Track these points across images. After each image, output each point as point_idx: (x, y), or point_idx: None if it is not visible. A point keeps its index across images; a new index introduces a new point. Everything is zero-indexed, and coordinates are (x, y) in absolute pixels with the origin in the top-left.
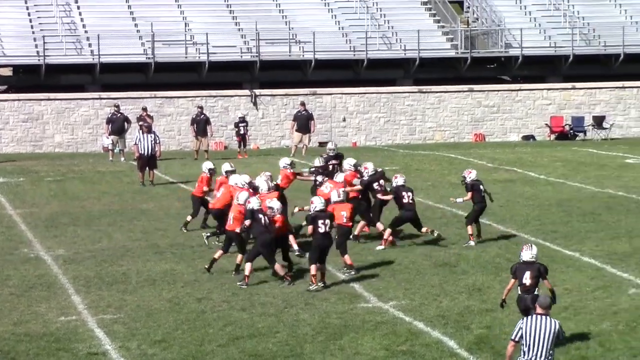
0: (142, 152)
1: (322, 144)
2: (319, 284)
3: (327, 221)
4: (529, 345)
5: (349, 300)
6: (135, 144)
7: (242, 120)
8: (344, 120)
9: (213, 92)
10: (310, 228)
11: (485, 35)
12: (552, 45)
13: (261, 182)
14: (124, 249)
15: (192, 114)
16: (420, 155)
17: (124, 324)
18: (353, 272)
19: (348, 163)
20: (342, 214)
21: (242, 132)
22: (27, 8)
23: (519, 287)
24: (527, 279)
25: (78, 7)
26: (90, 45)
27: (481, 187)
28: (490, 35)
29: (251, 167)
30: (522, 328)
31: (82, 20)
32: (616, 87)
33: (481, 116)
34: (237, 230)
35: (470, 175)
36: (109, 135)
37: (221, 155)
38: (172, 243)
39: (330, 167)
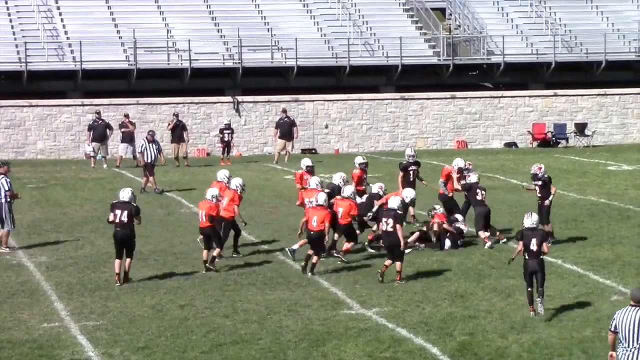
0: (148, 161)
1: (305, 151)
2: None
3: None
4: (624, 335)
5: (332, 306)
6: (141, 152)
7: (227, 127)
8: (327, 127)
9: (195, 99)
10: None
11: (468, 42)
12: (534, 52)
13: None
14: (107, 255)
15: (170, 122)
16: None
17: (106, 331)
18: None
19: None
20: (314, 218)
21: (226, 139)
22: (9, 14)
23: (525, 253)
24: (534, 245)
25: (60, 14)
26: (72, 51)
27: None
28: (472, 42)
29: (234, 174)
30: (615, 319)
31: (64, 26)
32: (598, 94)
33: (463, 123)
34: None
35: (542, 170)
36: (91, 142)
37: (203, 162)
38: (154, 250)
39: (411, 172)
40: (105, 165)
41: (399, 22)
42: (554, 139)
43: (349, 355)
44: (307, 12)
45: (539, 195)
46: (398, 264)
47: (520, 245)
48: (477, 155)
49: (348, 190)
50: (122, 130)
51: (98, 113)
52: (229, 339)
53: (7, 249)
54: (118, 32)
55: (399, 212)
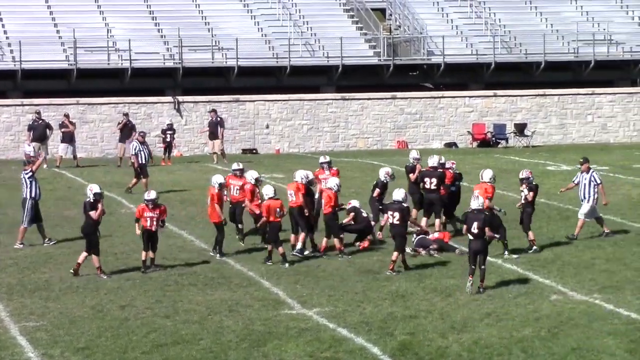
0: (142, 162)
1: (245, 151)
2: None
3: None
4: None
5: (273, 306)
6: (135, 153)
7: (170, 127)
8: (267, 127)
9: (136, 99)
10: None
11: (408, 42)
12: (473, 52)
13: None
14: (47, 256)
15: (119, 122)
16: (343, 162)
17: (46, 332)
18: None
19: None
20: (277, 210)
21: (168, 139)
22: None
23: (468, 234)
24: (475, 228)
25: None
26: (12, 51)
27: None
28: (412, 43)
29: (175, 174)
30: None
31: (3, 26)
32: (537, 95)
33: (404, 123)
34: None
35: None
36: (31, 142)
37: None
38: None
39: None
40: (45, 166)
41: (339, 22)
42: (493, 139)
43: (289, 356)
44: (248, 12)
45: (524, 201)
46: (395, 253)
47: (464, 227)
48: None
49: (331, 182)
50: (62, 130)
51: (38, 113)
52: (169, 340)
53: (21, 245)
54: (58, 31)
55: (405, 204)
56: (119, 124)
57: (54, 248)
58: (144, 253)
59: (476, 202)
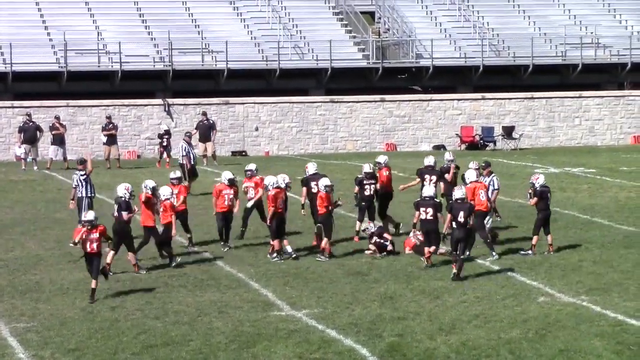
0: (193, 163)
1: (235, 153)
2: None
3: None
4: None
5: (262, 308)
6: (186, 155)
7: (167, 132)
8: (257, 129)
9: (126, 101)
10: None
11: (397, 45)
12: (462, 56)
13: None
14: (37, 257)
15: (102, 123)
16: (332, 165)
17: (37, 333)
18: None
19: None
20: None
21: (165, 143)
22: None
23: (452, 223)
24: (461, 217)
25: None
26: (2, 53)
27: (548, 194)
28: (401, 46)
29: (164, 176)
30: None
31: None
32: (525, 98)
33: (392, 126)
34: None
35: (538, 180)
36: (21, 144)
37: (134, 164)
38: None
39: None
40: (35, 167)
41: (328, 25)
42: (481, 141)
43: (279, 357)
44: (238, 15)
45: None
46: (433, 248)
47: (449, 216)
48: (406, 158)
49: (322, 182)
50: (53, 132)
51: (29, 115)
52: (159, 341)
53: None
54: (48, 34)
55: (437, 200)
56: (103, 128)
57: (44, 250)
58: (93, 282)
59: (460, 192)
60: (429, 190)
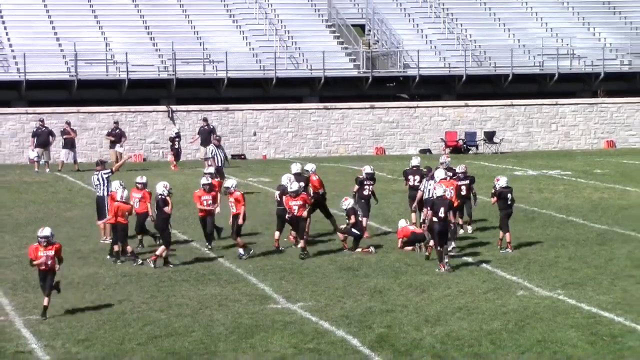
0: (219, 165)
1: (234, 157)
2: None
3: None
4: None
5: (260, 301)
6: (212, 157)
7: (177, 135)
8: (255, 134)
9: (132, 108)
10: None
11: (385, 56)
12: (446, 65)
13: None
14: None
15: (109, 129)
16: (325, 167)
17: (49, 324)
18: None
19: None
20: (293, 205)
21: (176, 146)
22: None
23: (434, 218)
24: (442, 212)
25: (5, 27)
26: (16, 63)
27: (509, 195)
28: (389, 57)
29: (168, 177)
30: None
31: (8, 39)
32: (505, 105)
33: (382, 131)
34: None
35: (499, 182)
36: (35, 148)
37: (140, 166)
38: (94, 249)
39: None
40: (47, 170)
41: (321, 37)
42: (465, 146)
43: (275, 347)
44: (237, 28)
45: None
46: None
47: (430, 212)
48: (394, 161)
49: (295, 186)
50: (64, 137)
51: (41, 121)
52: (163, 332)
53: (109, 239)
54: (60, 45)
55: (447, 199)
56: (109, 133)
57: None
58: (45, 299)
59: (440, 189)
60: (440, 189)
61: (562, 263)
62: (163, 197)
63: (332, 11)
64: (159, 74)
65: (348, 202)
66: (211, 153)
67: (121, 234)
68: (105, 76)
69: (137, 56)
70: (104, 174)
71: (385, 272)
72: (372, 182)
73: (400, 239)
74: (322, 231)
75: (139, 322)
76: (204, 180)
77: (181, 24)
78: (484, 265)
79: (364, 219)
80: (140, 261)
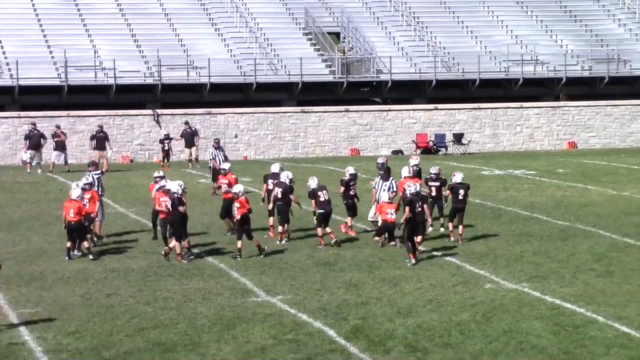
0: (217, 166)
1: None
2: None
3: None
4: None
5: (241, 295)
6: (212, 158)
7: (167, 137)
8: (236, 136)
9: (120, 112)
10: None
11: (359, 62)
12: (417, 71)
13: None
14: (41, 250)
15: (92, 132)
16: (303, 168)
17: (41, 317)
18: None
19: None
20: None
21: (166, 147)
22: None
23: (410, 214)
24: (419, 207)
25: None
26: (10, 69)
27: (460, 190)
28: (363, 63)
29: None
30: None
31: (2, 47)
32: (473, 108)
33: (356, 133)
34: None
35: (455, 177)
36: (27, 150)
37: (127, 167)
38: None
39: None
40: (39, 171)
41: (299, 44)
42: (435, 147)
43: (256, 338)
44: (219, 36)
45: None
46: (420, 237)
47: (407, 210)
48: (368, 162)
49: (284, 175)
50: (55, 139)
51: (33, 124)
52: (150, 324)
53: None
54: (51, 52)
55: (423, 194)
56: (92, 137)
57: (47, 243)
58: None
59: (414, 186)
60: (413, 187)
61: (527, 257)
62: (178, 195)
63: (309, 20)
64: (144, 80)
65: (309, 184)
66: (211, 154)
67: (80, 231)
68: (94, 81)
69: (124, 62)
70: (95, 174)
71: (360, 267)
72: (355, 182)
73: (377, 212)
74: (301, 227)
75: (126, 314)
76: (162, 183)
77: (166, 32)
78: (453, 259)
79: (349, 219)
80: (92, 257)
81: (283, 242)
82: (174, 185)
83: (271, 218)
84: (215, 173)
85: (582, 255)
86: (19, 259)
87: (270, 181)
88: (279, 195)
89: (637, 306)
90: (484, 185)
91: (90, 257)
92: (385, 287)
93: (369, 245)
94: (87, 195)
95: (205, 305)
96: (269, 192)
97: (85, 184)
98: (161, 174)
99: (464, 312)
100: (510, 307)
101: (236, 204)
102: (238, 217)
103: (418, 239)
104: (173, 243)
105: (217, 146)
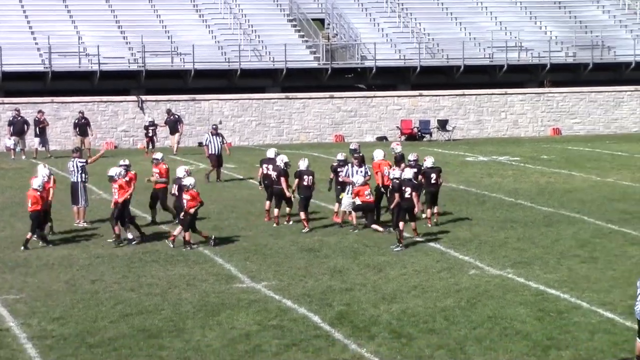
0: (212, 152)
1: (201, 144)
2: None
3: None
4: None
5: (226, 281)
6: (206, 144)
7: (152, 124)
8: (220, 123)
9: (104, 98)
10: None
11: (344, 48)
12: (401, 57)
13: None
14: (25, 236)
15: (74, 119)
16: (287, 154)
17: (25, 303)
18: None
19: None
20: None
21: (150, 134)
22: None
23: (400, 199)
24: (408, 193)
25: None
26: None
27: (432, 175)
28: (348, 49)
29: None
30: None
31: None
32: (457, 95)
33: (340, 120)
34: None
35: (426, 162)
36: (11, 136)
37: (110, 153)
38: (68, 231)
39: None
40: (23, 157)
41: (283, 31)
42: (419, 133)
43: (240, 324)
44: (203, 22)
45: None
46: (413, 223)
47: (397, 195)
48: None
49: (279, 159)
50: (39, 126)
51: (18, 110)
52: (134, 310)
53: (84, 223)
54: (35, 38)
55: (415, 182)
56: (75, 125)
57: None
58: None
59: (397, 172)
60: (408, 172)
61: (511, 243)
62: (183, 184)
63: (293, 6)
64: (129, 66)
65: (299, 164)
66: (206, 141)
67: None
68: (78, 68)
69: (108, 49)
70: (79, 162)
71: (345, 253)
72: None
73: (354, 196)
74: (284, 213)
75: (111, 301)
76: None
77: (150, 19)
78: (437, 245)
79: (337, 205)
80: (42, 243)
81: (290, 222)
82: (180, 170)
83: (267, 202)
84: (212, 159)
85: (566, 241)
86: (3, 245)
87: (265, 166)
88: (275, 179)
89: (621, 292)
90: (468, 172)
91: (41, 243)
92: (369, 273)
93: (353, 231)
94: (125, 179)
95: (189, 291)
96: (265, 176)
97: (122, 165)
98: (127, 162)
99: (448, 298)
100: (495, 293)
101: (186, 196)
102: (189, 210)
103: (413, 225)
104: (178, 230)
105: (215, 132)
